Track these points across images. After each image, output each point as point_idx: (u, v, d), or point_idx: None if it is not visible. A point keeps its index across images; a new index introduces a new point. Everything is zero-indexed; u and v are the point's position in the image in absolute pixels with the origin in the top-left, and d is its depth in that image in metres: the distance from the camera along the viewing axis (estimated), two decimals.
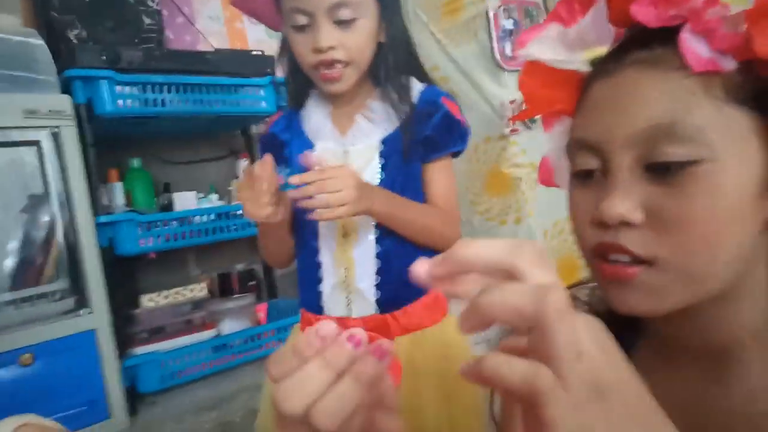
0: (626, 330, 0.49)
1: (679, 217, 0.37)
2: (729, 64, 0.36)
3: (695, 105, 0.36)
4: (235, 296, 1.74)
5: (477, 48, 1.97)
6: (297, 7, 0.85)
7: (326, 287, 0.90)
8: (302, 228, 0.94)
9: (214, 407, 1.36)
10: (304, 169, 0.82)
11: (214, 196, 1.79)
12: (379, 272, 0.88)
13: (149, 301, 1.54)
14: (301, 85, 0.94)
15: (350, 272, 0.89)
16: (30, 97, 1.23)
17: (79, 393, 1.20)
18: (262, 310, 1.83)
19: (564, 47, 0.44)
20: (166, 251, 1.56)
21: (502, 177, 2.09)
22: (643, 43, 0.39)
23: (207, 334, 1.57)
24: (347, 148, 0.90)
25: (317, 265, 0.91)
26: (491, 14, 1.93)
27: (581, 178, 0.42)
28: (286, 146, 0.97)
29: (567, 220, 0.48)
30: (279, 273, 2.06)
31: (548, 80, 0.47)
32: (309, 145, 0.92)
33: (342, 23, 0.84)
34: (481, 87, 2.05)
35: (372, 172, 0.89)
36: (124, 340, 1.41)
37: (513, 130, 2.01)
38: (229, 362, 1.56)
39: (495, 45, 1.91)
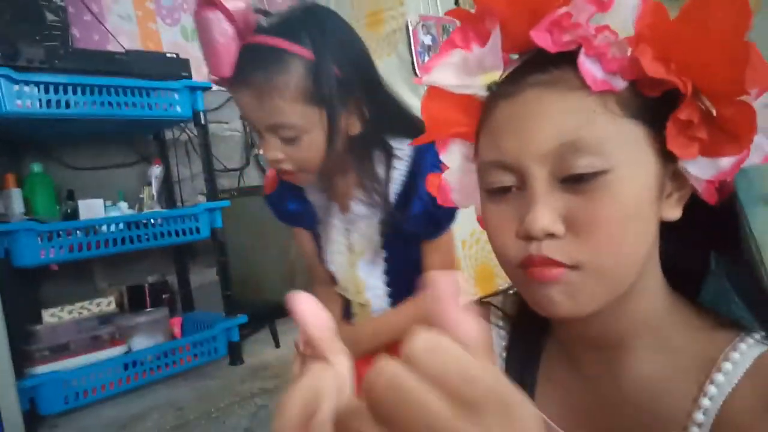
0: (537, 331, 0.53)
1: (590, 222, 0.40)
2: (620, 84, 0.40)
3: (595, 120, 0.40)
4: (147, 310, 1.65)
5: (397, 61, 2.02)
6: (244, 119, 0.82)
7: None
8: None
9: (124, 427, 1.28)
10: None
11: (123, 204, 1.70)
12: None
13: (51, 316, 1.43)
14: None
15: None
16: None
17: None
18: (176, 324, 1.75)
19: (465, 73, 0.46)
20: (70, 263, 1.46)
21: None
22: (540, 67, 0.42)
23: (116, 351, 1.48)
24: (348, 226, 0.94)
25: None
26: (411, 29, 1.98)
27: (497, 194, 0.44)
28: (293, 214, 1.00)
29: (482, 231, 0.50)
30: (195, 285, 1.98)
31: (449, 104, 0.49)
32: (313, 217, 0.99)
33: (286, 140, 0.82)
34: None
35: (375, 249, 0.92)
36: (23, 359, 1.30)
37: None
38: (140, 380, 1.48)
39: (415, 58, 1.97)
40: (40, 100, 1.37)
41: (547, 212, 0.40)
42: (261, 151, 1.86)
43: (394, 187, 0.88)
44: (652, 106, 0.40)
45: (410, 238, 0.90)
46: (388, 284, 0.95)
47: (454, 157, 0.53)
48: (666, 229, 0.44)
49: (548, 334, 0.53)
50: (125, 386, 1.46)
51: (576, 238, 0.40)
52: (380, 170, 0.88)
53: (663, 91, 0.40)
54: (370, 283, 0.95)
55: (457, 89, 0.47)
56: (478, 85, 0.46)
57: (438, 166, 0.80)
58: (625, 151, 0.40)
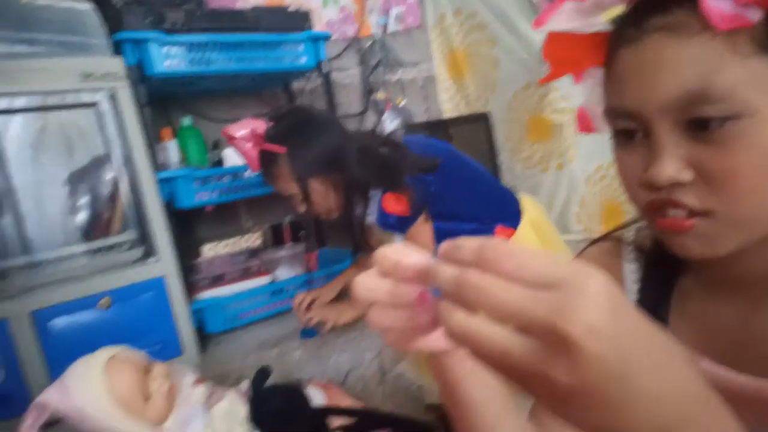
0: (670, 265, 0.51)
1: (725, 173, 0.38)
2: (755, 15, 0.36)
3: (724, 66, 0.36)
4: (286, 245, 1.82)
5: None
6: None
7: None
8: None
9: (276, 344, 1.46)
10: None
11: None
12: None
13: (209, 250, 1.64)
14: None
15: None
16: (85, 61, 1.29)
17: (153, 333, 1.31)
18: (312, 258, 1.92)
19: (581, 16, 0.44)
20: (220, 205, 1.64)
21: (544, 123, 2.08)
22: (661, 8, 0.39)
23: (263, 280, 1.67)
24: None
25: None
26: None
27: (623, 137, 0.43)
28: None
29: (608, 166, 0.49)
30: (326, 223, 2.14)
31: (572, 45, 0.47)
32: None
33: (299, 204, 1.35)
34: (520, 32, 2.02)
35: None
36: (189, 287, 1.51)
37: (541, 83, 1.99)
38: (285, 306, 1.66)
39: None
40: (185, 60, 1.52)
41: (672, 162, 0.39)
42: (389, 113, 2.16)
43: (370, 212, 1.33)
44: None
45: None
46: None
47: (589, 85, 0.52)
48: None
49: (683, 267, 0.51)
50: (273, 311, 1.65)
51: (707, 186, 0.39)
52: (362, 204, 1.32)
53: None
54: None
55: (577, 30, 0.46)
56: (599, 23, 0.44)
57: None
58: (760, 94, 0.36)
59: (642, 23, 0.40)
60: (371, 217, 1.36)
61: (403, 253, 0.32)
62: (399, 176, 1.27)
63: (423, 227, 1.32)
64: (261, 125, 1.35)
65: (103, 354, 0.74)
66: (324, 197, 1.33)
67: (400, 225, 1.33)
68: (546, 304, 0.24)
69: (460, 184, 1.36)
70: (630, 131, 0.42)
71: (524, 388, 0.26)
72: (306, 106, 1.63)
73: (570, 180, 2.05)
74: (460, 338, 0.26)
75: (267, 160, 1.33)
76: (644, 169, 0.41)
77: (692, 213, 0.40)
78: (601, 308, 0.24)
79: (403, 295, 0.32)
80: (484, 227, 1.32)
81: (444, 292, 0.28)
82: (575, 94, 1.99)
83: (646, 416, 0.25)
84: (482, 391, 0.41)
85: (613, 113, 0.44)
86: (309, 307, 1.49)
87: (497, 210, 1.36)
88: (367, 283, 0.33)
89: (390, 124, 2.18)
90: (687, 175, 0.39)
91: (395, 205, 1.29)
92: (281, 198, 1.46)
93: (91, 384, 0.69)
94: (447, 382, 0.41)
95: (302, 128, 1.31)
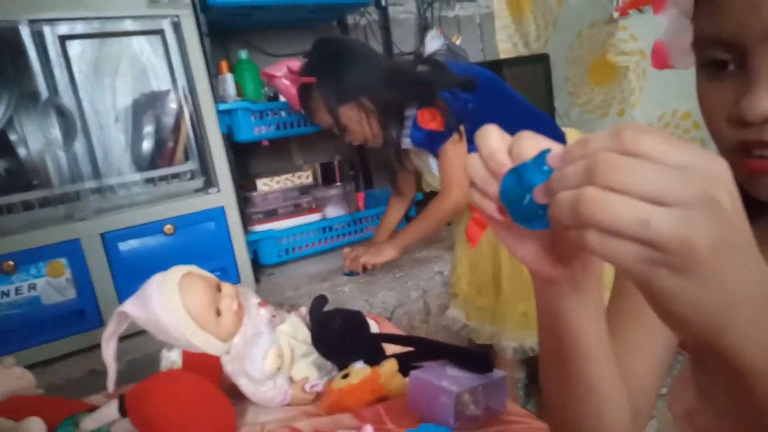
0: (749, 207, 0.50)
1: None
2: None
3: None
4: (336, 184, 1.84)
5: None
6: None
7: None
8: None
9: (325, 279, 1.50)
10: None
11: None
12: None
13: (264, 185, 1.67)
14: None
15: None
16: None
17: (213, 260, 1.37)
18: (360, 198, 1.94)
19: None
20: (274, 140, 1.66)
21: (608, 65, 1.99)
22: None
23: (314, 217, 1.70)
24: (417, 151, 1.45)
25: None
26: None
27: (713, 69, 0.40)
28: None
29: (673, 113, 0.47)
30: (374, 165, 2.14)
31: None
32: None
33: (341, 132, 1.40)
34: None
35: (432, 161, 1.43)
36: (244, 219, 1.56)
37: (623, 13, 1.87)
38: (334, 243, 1.70)
39: None
40: None
41: None
42: (432, 35, 2.03)
43: (406, 132, 1.36)
44: None
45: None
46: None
47: (670, 15, 0.49)
48: None
49: (763, 212, 0.50)
50: (323, 247, 1.69)
51: None
52: (397, 125, 1.35)
53: None
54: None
55: None
56: None
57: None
58: None
59: None
60: (407, 142, 1.37)
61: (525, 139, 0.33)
62: (433, 90, 1.28)
63: (457, 146, 1.32)
64: (297, 63, 1.39)
65: (178, 270, 0.77)
66: (359, 124, 1.35)
67: (432, 141, 1.33)
68: (692, 176, 0.26)
69: (499, 107, 1.35)
70: (722, 62, 0.39)
71: (645, 266, 0.26)
72: (338, 37, 1.68)
73: None
74: (593, 208, 0.26)
75: (304, 95, 1.37)
76: (734, 104, 0.38)
77: None
78: (733, 186, 0.27)
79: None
80: None
81: (563, 178, 0.28)
82: (646, 33, 1.89)
83: (755, 291, 0.28)
84: (588, 321, 0.40)
85: (705, 42, 0.40)
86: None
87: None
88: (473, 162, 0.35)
89: (431, 45, 2.11)
90: None
91: (430, 120, 1.30)
92: (331, 136, 1.47)
93: (168, 297, 0.73)
94: (551, 308, 0.40)
95: (332, 58, 1.33)
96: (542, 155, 0.31)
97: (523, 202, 0.31)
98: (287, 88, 1.44)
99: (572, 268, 0.37)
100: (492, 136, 0.34)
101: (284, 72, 1.42)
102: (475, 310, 1.45)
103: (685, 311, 0.27)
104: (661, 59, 0.53)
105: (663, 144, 0.26)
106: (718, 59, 0.40)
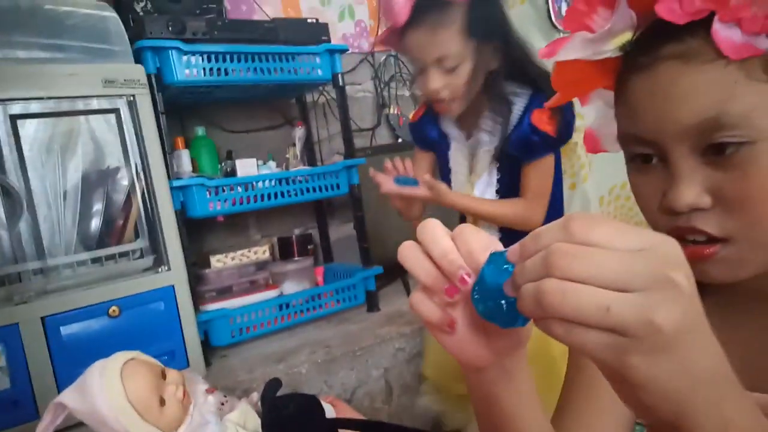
0: None
1: (742, 197, 0.38)
2: (764, 43, 0.36)
3: (738, 93, 0.37)
4: (295, 259, 1.81)
5: (531, 9, 1.95)
6: (411, 58, 1.17)
7: None
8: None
9: (282, 359, 1.44)
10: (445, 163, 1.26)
11: (272, 163, 1.85)
12: None
13: (217, 261, 1.63)
14: None
15: None
16: (107, 67, 1.30)
17: (160, 342, 1.30)
18: (319, 273, 1.91)
19: (591, 46, 0.44)
20: (230, 215, 1.63)
21: None
22: (673, 36, 0.39)
23: (270, 294, 1.65)
24: (472, 152, 1.24)
25: None
26: None
27: (639, 161, 0.44)
28: (431, 140, 1.31)
29: (622, 186, 0.50)
30: (334, 238, 2.13)
31: (580, 70, 0.47)
32: (447, 144, 1.28)
33: (447, 70, 1.10)
34: (535, 48, 2.03)
35: (491, 173, 1.22)
36: (195, 298, 1.50)
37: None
38: (292, 320, 1.65)
39: (550, 5, 1.89)
40: (203, 69, 1.52)
41: (690, 187, 0.39)
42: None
43: (512, 122, 1.14)
44: None
45: (515, 162, 1.17)
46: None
47: (596, 107, 0.53)
48: None
49: (700, 289, 0.51)
50: (280, 325, 1.63)
51: (726, 211, 0.39)
52: (504, 108, 1.14)
53: None
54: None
55: (587, 58, 0.45)
56: (609, 50, 0.44)
57: (542, 105, 1.11)
58: None
59: (655, 51, 0.40)
60: (486, 139, 1.18)
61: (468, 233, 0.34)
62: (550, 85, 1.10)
63: (552, 158, 1.19)
64: None
65: (120, 357, 0.73)
66: (472, 71, 1.12)
67: (536, 146, 1.14)
68: (647, 260, 0.26)
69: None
70: (646, 156, 0.43)
71: (610, 352, 0.26)
72: None
73: (583, 200, 2.03)
74: (553, 300, 0.26)
75: (432, 5, 1.10)
76: (663, 194, 0.41)
77: (712, 239, 0.40)
78: (687, 266, 0.28)
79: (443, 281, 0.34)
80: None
81: (524, 272, 0.28)
82: (587, 113, 2.00)
83: (712, 368, 0.28)
84: (521, 403, 0.41)
85: (627, 139, 0.44)
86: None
87: None
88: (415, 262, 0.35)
89: None
90: (706, 201, 0.39)
91: (547, 122, 1.14)
92: (290, 211, 1.44)
93: (109, 385, 0.68)
94: (484, 395, 0.41)
95: None
96: (497, 255, 0.31)
97: (502, 308, 0.31)
98: None
99: (500, 356, 0.38)
100: (438, 232, 0.34)
101: None
102: (451, 398, 1.38)
103: (654, 398, 0.27)
104: (592, 144, 0.55)
105: (614, 231, 0.27)
106: (642, 153, 0.43)
